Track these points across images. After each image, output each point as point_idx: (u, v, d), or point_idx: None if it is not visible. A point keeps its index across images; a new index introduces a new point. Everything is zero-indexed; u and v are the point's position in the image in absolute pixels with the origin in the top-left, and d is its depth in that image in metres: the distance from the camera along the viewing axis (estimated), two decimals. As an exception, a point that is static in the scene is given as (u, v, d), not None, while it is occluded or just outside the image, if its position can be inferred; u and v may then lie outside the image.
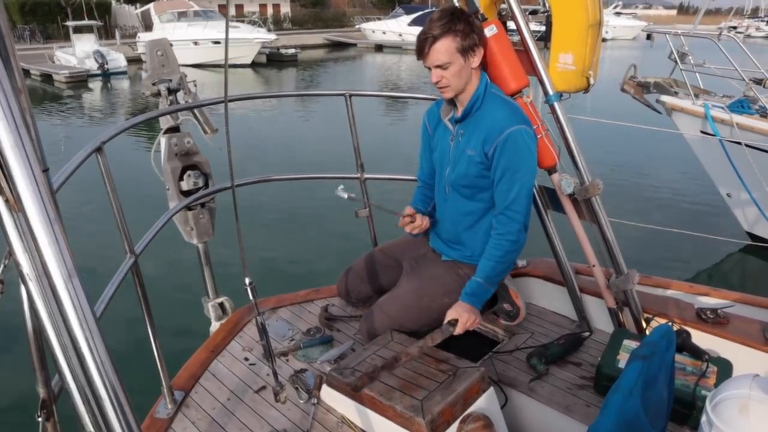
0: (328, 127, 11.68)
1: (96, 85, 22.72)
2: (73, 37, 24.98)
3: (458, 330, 1.99)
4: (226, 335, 2.33)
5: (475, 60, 1.99)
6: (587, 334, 2.38)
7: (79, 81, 22.61)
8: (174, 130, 2.53)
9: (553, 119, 2.19)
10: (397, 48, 34.10)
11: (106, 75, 23.65)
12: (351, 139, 2.61)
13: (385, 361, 1.80)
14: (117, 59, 24.32)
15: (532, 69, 2.18)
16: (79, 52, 24.18)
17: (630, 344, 2.08)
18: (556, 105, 2.16)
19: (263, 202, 7.78)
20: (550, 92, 2.15)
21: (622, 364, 1.98)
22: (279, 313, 2.50)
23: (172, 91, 2.51)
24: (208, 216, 2.64)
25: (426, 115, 2.29)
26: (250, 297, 1.62)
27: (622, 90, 6.88)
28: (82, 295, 0.90)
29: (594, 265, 2.29)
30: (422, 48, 1.97)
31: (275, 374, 1.70)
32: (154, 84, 2.47)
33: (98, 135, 1.78)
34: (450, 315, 2.02)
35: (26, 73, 24.04)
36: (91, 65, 23.50)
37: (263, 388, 2.04)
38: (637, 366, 1.19)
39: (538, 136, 2.18)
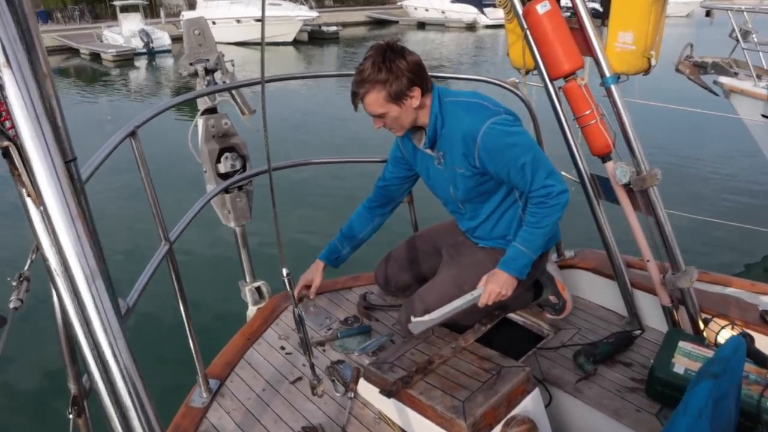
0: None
1: (141, 63, 23.15)
2: (120, 16, 25.45)
3: (481, 301, 1.94)
4: (263, 322, 2.29)
5: (414, 101, 1.89)
6: (638, 332, 2.24)
7: (126, 59, 23.07)
8: (211, 111, 2.49)
9: (609, 103, 2.04)
10: (440, 25, 33.48)
11: (151, 54, 24.06)
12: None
13: (418, 364, 1.73)
14: (162, 38, 24.70)
15: (587, 49, 2.02)
16: (126, 31, 24.63)
17: (686, 346, 1.94)
18: (613, 88, 2.01)
19: (302, 184, 7.68)
20: (607, 74, 2.00)
21: (677, 368, 1.85)
22: (316, 301, 2.45)
23: (209, 71, 2.45)
24: (246, 199, 2.60)
25: (398, 139, 2.18)
26: (288, 289, 1.56)
27: (677, 70, 6.52)
28: (105, 297, 0.85)
29: (648, 260, 2.15)
30: (354, 102, 1.91)
31: (312, 368, 1.65)
32: (191, 64, 2.42)
33: (142, 113, 1.75)
34: (480, 283, 1.97)
35: (76, 52, 24.72)
36: (137, 44, 23.93)
37: (299, 379, 2.00)
38: (707, 385, 1.07)
39: (591, 122, 2.04)
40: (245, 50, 23.77)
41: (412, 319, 1.92)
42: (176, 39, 26.01)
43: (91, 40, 25.31)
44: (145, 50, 23.92)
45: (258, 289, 2.70)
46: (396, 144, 2.23)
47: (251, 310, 2.66)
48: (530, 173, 1.85)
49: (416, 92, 1.87)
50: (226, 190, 2.45)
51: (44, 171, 0.79)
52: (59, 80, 20.09)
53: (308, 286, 2.34)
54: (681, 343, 1.96)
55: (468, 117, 1.89)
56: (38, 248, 0.86)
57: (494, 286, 1.93)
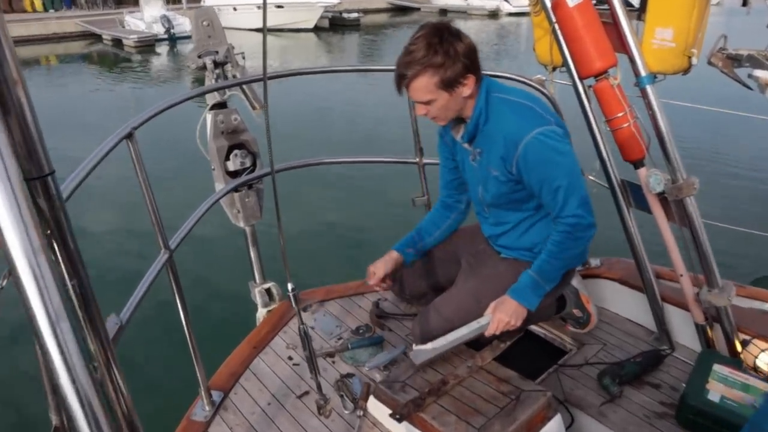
0: (388, 102, 10.89)
1: (163, 49, 23.17)
2: (142, 1, 25.44)
3: (488, 332, 1.80)
4: (270, 330, 2.19)
5: (465, 89, 1.71)
6: (668, 350, 2.10)
7: (147, 45, 23.10)
8: (220, 106, 2.38)
9: (644, 105, 1.88)
10: (462, 12, 32.93)
11: (172, 39, 24.06)
12: (410, 120, 2.38)
13: (431, 384, 1.61)
14: (183, 24, 24.65)
15: (621, 45, 1.87)
16: (147, 16, 24.64)
17: (722, 370, 1.80)
18: (649, 88, 1.85)
19: (315, 183, 7.32)
20: (642, 73, 1.84)
21: (711, 396, 1.71)
22: (327, 306, 2.34)
23: (218, 64, 2.34)
24: (255, 198, 2.50)
25: (440, 128, 2.01)
26: (294, 305, 1.46)
27: (709, 63, 6.24)
28: (72, 342, 0.74)
29: (682, 274, 2.00)
30: (398, 86, 1.72)
31: (319, 387, 1.55)
32: (199, 56, 2.31)
33: (139, 114, 1.64)
34: (488, 310, 1.83)
35: (98, 37, 24.83)
36: (158, 30, 23.93)
37: (306, 393, 1.90)
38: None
39: (624, 125, 1.89)
40: (267, 37, 23.63)
41: (414, 347, 1.79)
42: (197, 25, 25.95)
43: (114, 26, 25.38)
44: (166, 36, 23.92)
45: (268, 290, 2.62)
46: (439, 134, 2.05)
47: (261, 312, 2.57)
48: (562, 198, 1.71)
49: (470, 80, 1.70)
50: (235, 189, 2.36)
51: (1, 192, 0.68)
52: (83, 66, 20.24)
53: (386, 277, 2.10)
54: (716, 367, 1.81)
55: (515, 119, 1.73)
56: (10, 273, 0.77)
57: (503, 315, 1.80)
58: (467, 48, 1.68)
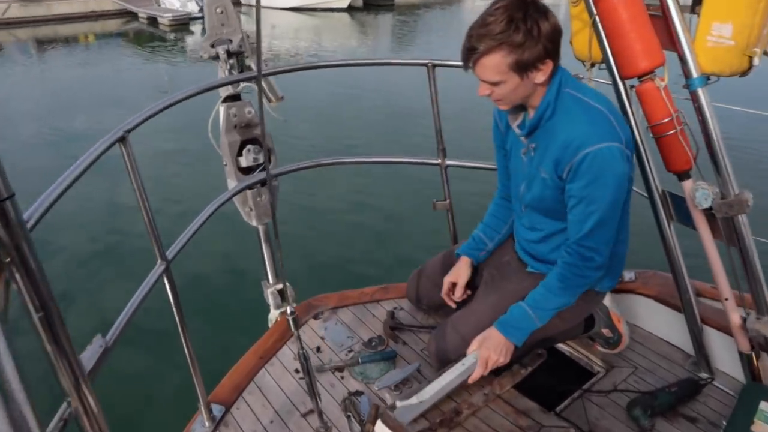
0: (414, 95, 9.66)
1: (197, 28, 23.21)
2: (176, -20, 25.54)
3: (474, 376, 1.64)
4: (279, 338, 2.08)
5: (540, 76, 1.52)
6: (707, 378, 1.92)
7: (182, 24, 23.19)
8: (234, 98, 2.26)
9: (694, 110, 1.68)
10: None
11: (206, 18, 24.10)
12: (432, 118, 2.21)
13: (444, 414, 1.48)
14: (217, 2, 24.62)
15: (671, 42, 1.66)
16: (181, -5, 24.72)
17: (770, 409, 1.62)
18: (700, 91, 1.65)
19: (331, 182, 6.76)
20: (694, 74, 1.63)
21: (758, 439, 1.54)
22: (339, 314, 2.22)
23: (232, 54, 2.22)
24: (269, 195, 2.38)
25: (495, 110, 1.82)
26: (293, 329, 1.35)
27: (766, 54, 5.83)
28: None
29: (727, 298, 1.81)
30: (465, 60, 1.52)
31: (320, 414, 1.43)
32: (212, 46, 2.19)
33: (133, 116, 1.53)
34: (472, 346, 1.68)
35: (134, 16, 25.03)
36: (192, 8, 23.96)
37: (311, 412, 1.79)
38: None
39: (670, 132, 1.69)
40: (300, 16, 23.44)
41: (397, 404, 1.60)
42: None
43: (149, 4, 25.54)
44: (200, 14, 23.93)
45: (281, 291, 2.51)
46: (495, 126, 1.89)
47: (273, 315, 2.48)
48: (589, 227, 1.55)
49: (547, 67, 1.52)
50: (249, 187, 2.25)
51: None
52: (119, 44, 20.44)
53: (455, 284, 2.00)
54: (763, 405, 1.63)
55: (585, 124, 1.55)
56: None
57: (490, 352, 1.65)
58: (552, 29, 1.48)
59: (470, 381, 1.65)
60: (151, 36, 22.06)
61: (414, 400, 1.60)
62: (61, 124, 9.50)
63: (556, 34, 1.50)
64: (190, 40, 21.29)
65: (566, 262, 1.65)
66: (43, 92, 12.71)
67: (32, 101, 11.60)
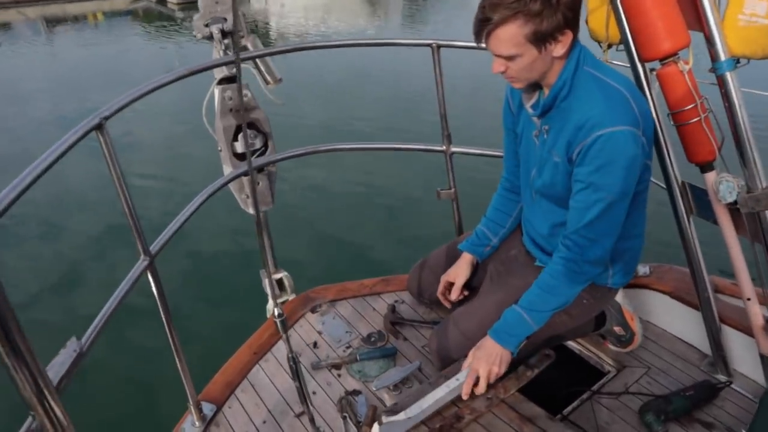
0: (417, 77, 9.37)
1: (205, 7, 23.01)
2: (185, -42, 25.25)
3: (465, 390, 1.55)
4: (274, 332, 2.00)
5: (559, 47, 1.39)
6: (725, 380, 1.81)
7: (190, 3, 22.90)
8: (229, 80, 2.15)
9: (720, 95, 1.55)
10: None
11: (215, -3, 23.86)
12: (437, 102, 2.09)
13: (444, 419, 1.39)
14: (226, -20, 24.33)
15: (697, 22, 1.53)
16: (191, -27, 24.45)
17: (793, 418, 1.51)
18: (728, 75, 1.51)
19: (331, 169, 6.45)
20: (722, 57, 1.50)
21: (780, 451, 1.44)
22: (338, 307, 2.13)
23: (226, 34, 2.11)
24: (267, 182, 2.28)
25: (508, 89, 1.69)
26: (281, 332, 1.26)
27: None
28: None
29: (749, 298, 1.70)
30: (478, 32, 1.38)
31: (312, 420, 1.35)
32: (206, 25, 2.08)
33: (112, 101, 1.43)
34: (467, 359, 1.59)
35: (144, -6, 24.81)
36: (201, -14, 23.76)
37: (304, 413, 1.71)
38: None
39: (693, 120, 1.57)
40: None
41: (383, 419, 1.50)
42: (241, -18, 25.62)
43: (158, -18, 25.32)
44: (209, -7, 23.74)
45: (279, 281, 2.43)
46: (506, 105, 1.76)
47: (271, 305, 2.40)
48: (592, 216, 1.44)
49: (567, 38, 1.39)
50: (244, 173, 2.15)
51: None
52: (127, 23, 20.28)
53: (452, 283, 1.92)
54: (786, 414, 1.53)
55: (602, 103, 1.42)
56: None
57: (483, 365, 1.55)
58: None
59: (463, 396, 1.56)
60: (160, 15, 21.90)
61: (402, 416, 1.49)
62: (68, 104, 9.44)
63: (576, 2, 1.37)
64: (196, 19, 21.13)
65: (563, 257, 1.54)
66: (51, 71, 12.66)
67: (41, 80, 11.55)
